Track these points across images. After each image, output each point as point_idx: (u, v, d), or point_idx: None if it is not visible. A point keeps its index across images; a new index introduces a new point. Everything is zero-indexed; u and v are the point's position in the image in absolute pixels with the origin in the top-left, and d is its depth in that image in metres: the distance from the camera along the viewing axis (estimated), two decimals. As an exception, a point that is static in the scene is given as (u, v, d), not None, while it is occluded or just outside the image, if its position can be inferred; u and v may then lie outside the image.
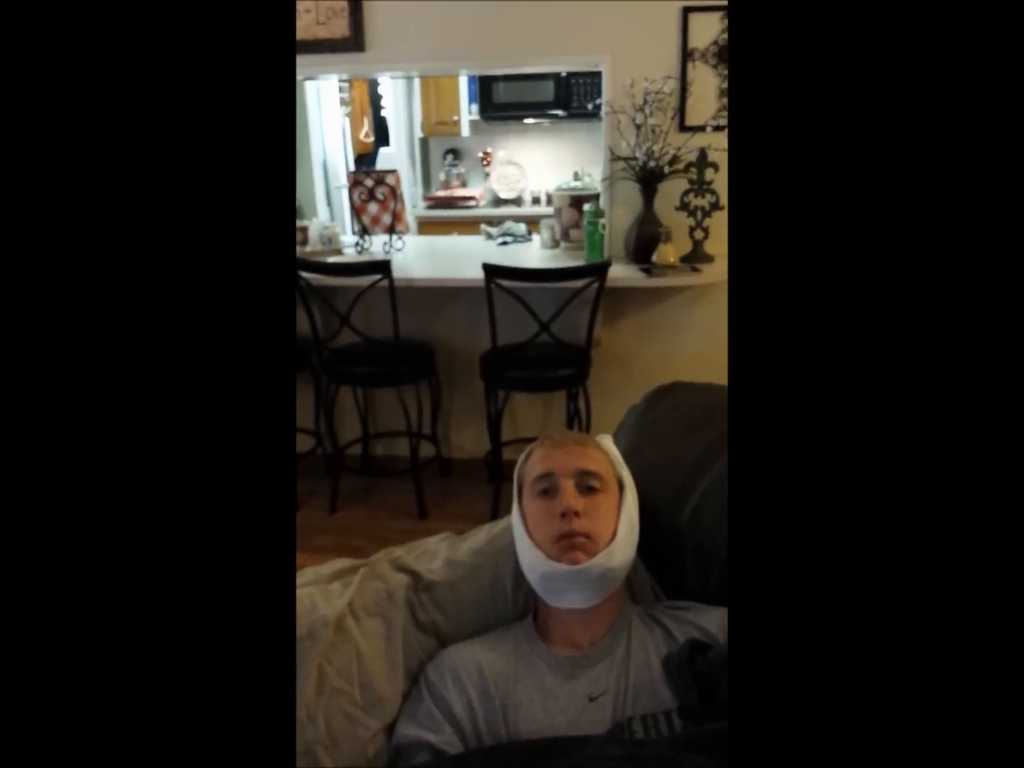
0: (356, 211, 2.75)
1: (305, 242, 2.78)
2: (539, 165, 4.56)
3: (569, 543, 0.90)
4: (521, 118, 4.39)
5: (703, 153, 2.37)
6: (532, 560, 0.93)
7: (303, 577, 1.00)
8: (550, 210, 2.86)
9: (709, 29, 2.36)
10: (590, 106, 4.00)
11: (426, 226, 4.32)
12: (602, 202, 2.55)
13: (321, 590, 0.96)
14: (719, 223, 2.45)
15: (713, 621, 0.92)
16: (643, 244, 2.45)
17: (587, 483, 0.95)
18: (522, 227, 3.05)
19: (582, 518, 0.91)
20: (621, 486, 1.00)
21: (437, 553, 1.06)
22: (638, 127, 2.39)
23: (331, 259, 2.60)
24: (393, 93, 4.41)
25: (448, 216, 4.36)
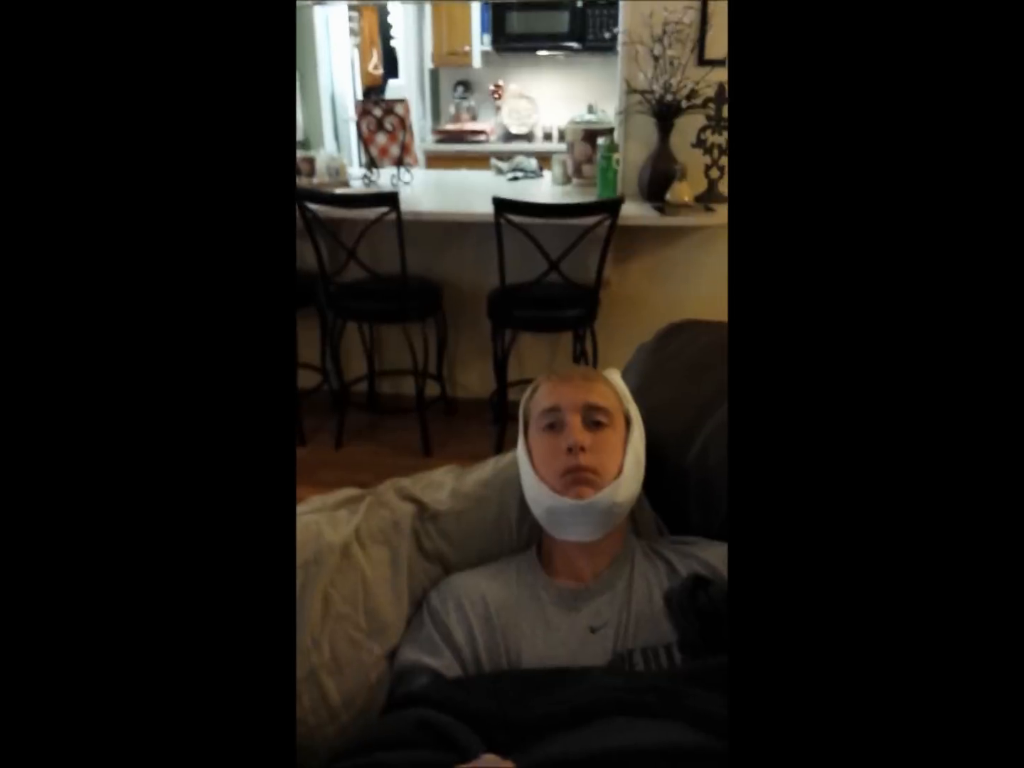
0: (364, 141, 2.69)
1: (312, 173, 2.72)
2: (551, 99, 4.44)
3: (575, 477, 0.89)
4: (534, 50, 4.26)
5: (721, 88, 2.29)
6: (537, 494, 0.93)
7: (309, 505, 1.00)
8: (561, 147, 2.79)
9: (733, -44, 2.26)
10: (607, 35, 3.87)
11: (435, 160, 4.23)
12: (616, 136, 2.48)
13: (327, 517, 0.96)
14: (735, 162, 2.38)
15: (717, 555, 0.92)
16: (657, 181, 2.40)
17: (594, 418, 0.94)
18: (533, 162, 2.98)
19: (588, 453, 0.90)
20: (628, 421, 0.99)
21: (443, 484, 1.06)
22: (656, 59, 2.31)
23: (338, 191, 2.55)
24: (403, 22, 4.26)
25: (457, 151, 4.27)
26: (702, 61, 2.36)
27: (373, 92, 4.40)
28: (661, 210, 2.35)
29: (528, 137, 4.43)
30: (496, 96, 4.51)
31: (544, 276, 2.28)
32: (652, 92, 2.33)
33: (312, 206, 2.32)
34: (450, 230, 2.62)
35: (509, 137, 4.46)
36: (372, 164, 2.71)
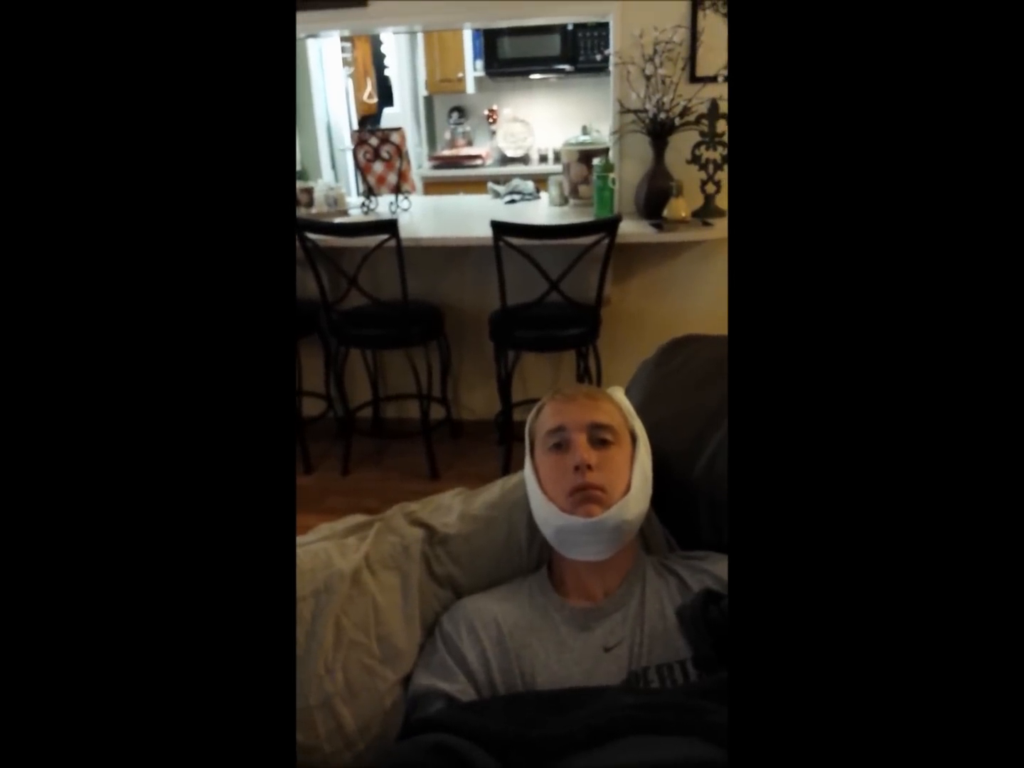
0: (361, 171, 2.72)
1: (311, 204, 2.75)
2: (546, 122, 4.48)
3: (583, 496, 0.89)
4: (527, 73, 4.31)
5: (714, 104, 2.32)
6: (546, 514, 0.93)
7: (318, 533, 1.00)
8: (557, 168, 2.82)
9: (720, -25, 2.29)
10: (598, 57, 3.91)
11: (432, 186, 4.27)
12: (611, 156, 2.51)
13: (337, 544, 0.96)
14: (730, 176, 2.40)
15: (728, 569, 0.91)
16: (654, 199, 2.41)
17: (599, 436, 0.94)
18: (530, 185, 3.00)
19: (595, 471, 0.90)
20: (634, 438, 0.99)
21: (451, 507, 1.06)
22: (648, 78, 2.33)
23: (337, 220, 2.58)
24: (397, 51, 4.32)
25: (454, 176, 4.31)
26: (694, 78, 2.38)
27: (368, 121, 4.45)
28: (659, 227, 2.36)
29: (524, 160, 4.47)
30: (491, 121, 4.56)
31: (545, 296, 2.29)
32: (645, 111, 2.36)
33: (312, 236, 2.34)
34: (450, 254, 2.64)
35: (505, 161, 4.50)
36: (370, 192, 2.74)
